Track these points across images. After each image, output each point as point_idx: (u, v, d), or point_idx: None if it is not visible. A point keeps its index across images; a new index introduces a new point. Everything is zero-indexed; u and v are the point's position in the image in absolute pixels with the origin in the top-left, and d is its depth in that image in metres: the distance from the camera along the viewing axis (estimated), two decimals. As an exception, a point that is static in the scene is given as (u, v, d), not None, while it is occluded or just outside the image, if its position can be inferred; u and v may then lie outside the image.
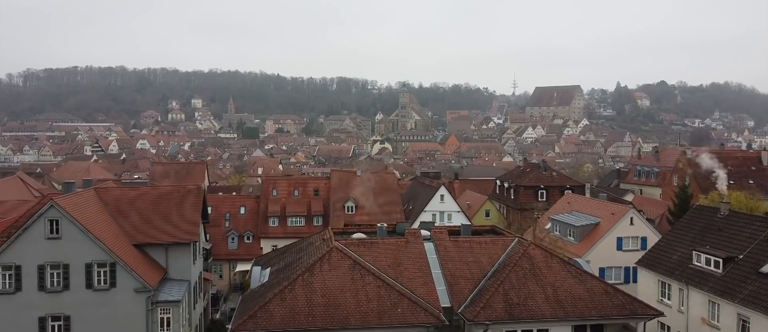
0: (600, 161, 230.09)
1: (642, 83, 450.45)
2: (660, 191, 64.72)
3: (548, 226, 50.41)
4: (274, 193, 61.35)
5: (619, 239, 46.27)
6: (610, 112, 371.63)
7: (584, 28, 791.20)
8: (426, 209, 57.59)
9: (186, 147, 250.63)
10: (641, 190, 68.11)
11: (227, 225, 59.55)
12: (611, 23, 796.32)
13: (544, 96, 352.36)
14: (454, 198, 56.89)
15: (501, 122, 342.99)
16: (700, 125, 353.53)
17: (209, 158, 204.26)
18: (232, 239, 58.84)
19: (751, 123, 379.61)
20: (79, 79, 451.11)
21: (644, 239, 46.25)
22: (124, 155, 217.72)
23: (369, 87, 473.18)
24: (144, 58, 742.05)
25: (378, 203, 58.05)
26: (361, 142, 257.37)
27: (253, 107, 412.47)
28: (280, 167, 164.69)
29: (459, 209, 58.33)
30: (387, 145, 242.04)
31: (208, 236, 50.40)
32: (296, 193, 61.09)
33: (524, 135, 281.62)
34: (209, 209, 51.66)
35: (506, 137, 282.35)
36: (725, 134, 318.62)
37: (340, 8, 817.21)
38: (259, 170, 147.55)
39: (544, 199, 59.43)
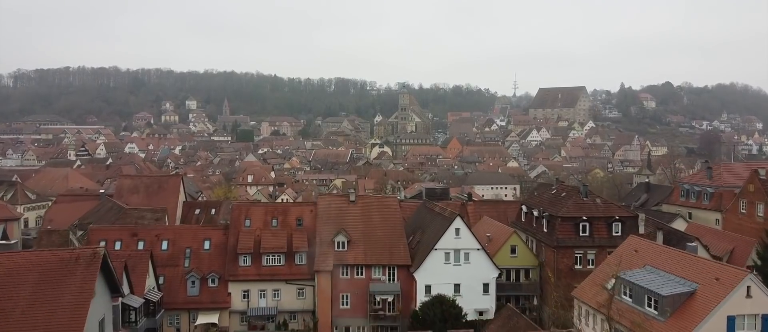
0: (609, 165, 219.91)
1: (646, 85, 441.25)
2: (719, 218, 53.52)
3: (611, 284, 36.64)
4: (247, 223, 48.91)
5: (731, 320, 32.07)
6: (616, 114, 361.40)
7: (584, 30, 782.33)
8: (437, 246, 45.90)
9: (177, 151, 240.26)
10: (690, 213, 56.98)
11: (187, 265, 47.46)
12: (611, 25, 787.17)
13: (548, 97, 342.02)
14: (472, 232, 45.92)
15: (503, 124, 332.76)
16: (709, 128, 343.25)
17: (199, 163, 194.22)
18: (193, 282, 47.05)
19: (759, 125, 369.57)
20: (71, 79, 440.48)
21: (766, 319, 32.57)
22: (110, 160, 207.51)
23: (368, 88, 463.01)
24: (138, 59, 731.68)
25: (376, 238, 46.84)
26: (359, 145, 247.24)
27: (249, 108, 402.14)
28: (272, 174, 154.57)
29: (478, 246, 46.47)
30: (386, 148, 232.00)
31: (160, 280, 40.56)
32: (274, 223, 48.96)
33: (529, 138, 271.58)
34: (165, 242, 41.74)
35: (510, 140, 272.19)
36: (736, 137, 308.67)
37: (337, 9, 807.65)
38: (249, 178, 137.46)
39: (587, 233, 46.69)
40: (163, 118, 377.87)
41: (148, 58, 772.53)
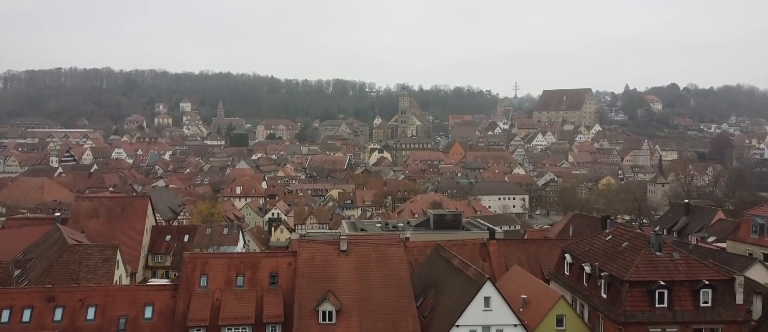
0: (619, 172, 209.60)
1: (650, 86, 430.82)
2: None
3: None
4: (203, 281, 36.35)
5: None
6: (622, 116, 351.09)
7: (584, 31, 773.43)
8: (460, 322, 33.28)
9: (167, 156, 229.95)
10: (766, 255, 45.78)
11: (120, 343, 34.64)
12: (611, 26, 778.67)
13: (553, 99, 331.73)
14: (506, 300, 33.40)
15: (507, 127, 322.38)
16: (718, 131, 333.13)
17: (187, 170, 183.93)
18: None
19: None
20: (63, 81, 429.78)
21: None
22: (95, 167, 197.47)
23: (367, 90, 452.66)
24: (132, 60, 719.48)
25: (375, 304, 34.89)
26: (358, 150, 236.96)
27: (245, 110, 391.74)
28: (264, 184, 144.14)
29: (516, 321, 33.93)
30: (386, 154, 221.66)
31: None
32: (240, 281, 36.52)
33: (534, 142, 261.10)
34: (92, 310, 31.24)
35: (514, 145, 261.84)
36: (747, 141, 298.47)
37: (336, 9, 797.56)
38: (238, 189, 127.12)
39: (665, 304, 33.84)
40: (156, 120, 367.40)
41: (143, 59, 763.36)
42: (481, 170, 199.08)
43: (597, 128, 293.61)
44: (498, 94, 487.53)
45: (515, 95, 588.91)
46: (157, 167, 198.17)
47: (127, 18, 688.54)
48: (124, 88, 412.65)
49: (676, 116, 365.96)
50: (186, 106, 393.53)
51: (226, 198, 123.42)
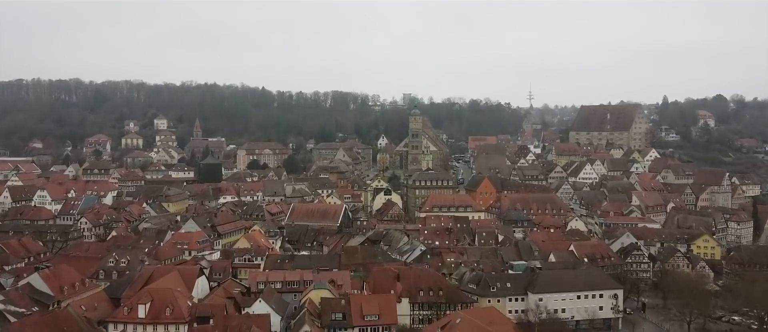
0: (714, 227, 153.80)
1: (690, 97, 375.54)
2: None
3: None
4: None
5: None
6: (674, 136, 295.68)
7: (597, 38, 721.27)
8: None
9: (108, 198, 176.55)
10: None
11: None
12: (621, 34, 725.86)
13: (594, 117, 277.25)
14: None
15: (538, 150, 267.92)
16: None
17: (113, 233, 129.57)
18: None
19: None
20: (23, 94, 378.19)
21: None
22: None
23: (370, 103, 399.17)
24: (106, 70, 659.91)
25: None
26: (358, 189, 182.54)
27: (230, 127, 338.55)
28: (203, 278, 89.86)
29: None
30: (394, 198, 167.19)
31: None
32: None
33: (581, 176, 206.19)
34: None
35: (556, 178, 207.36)
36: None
37: (333, 17, 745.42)
38: (142, 310, 73.03)
39: None
40: (123, 141, 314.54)
41: (119, 69, 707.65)
42: (526, 226, 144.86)
43: (653, 153, 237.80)
44: (509, 103, 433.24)
45: (531, 105, 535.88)
46: (82, 220, 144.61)
47: (106, 24, 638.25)
48: (92, 102, 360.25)
49: (733, 134, 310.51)
50: (161, 123, 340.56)
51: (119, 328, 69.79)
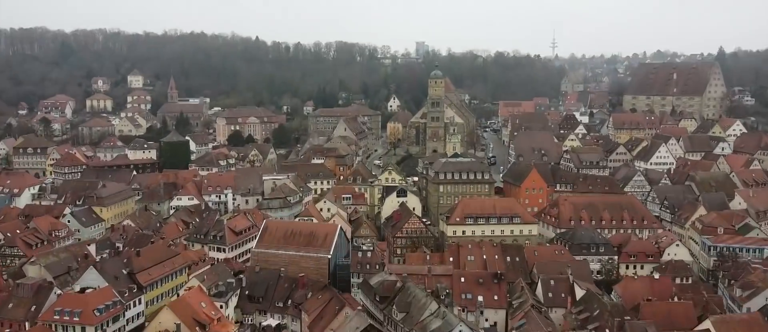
0: None
1: (752, 48, 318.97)
2: None
3: None
4: None
5: None
6: (749, 100, 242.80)
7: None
8: None
9: (26, 197, 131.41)
10: None
11: None
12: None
13: (656, 78, 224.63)
14: None
15: (585, 118, 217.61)
16: None
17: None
18: None
19: None
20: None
21: None
22: None
23: (379, 57, 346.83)
24: (77, 17, 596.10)
25: None
26: (361, 185, 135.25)
27: (216, 86, 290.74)
28: None
29: None
30: (411, 200, 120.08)
31: None
32: None
33: (654, 160, 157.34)
34: None
35: (618, 160, 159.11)
36: None
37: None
38: None
39: None
40: (89, 103, 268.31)
41: (95, 16, 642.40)
42: (602, 251, 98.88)
43: (737, 126, 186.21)
44: (539, 55, 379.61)
45: (556, 55, 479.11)
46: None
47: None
48: (58, 55, 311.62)
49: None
50: (136, 81, 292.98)
51: None
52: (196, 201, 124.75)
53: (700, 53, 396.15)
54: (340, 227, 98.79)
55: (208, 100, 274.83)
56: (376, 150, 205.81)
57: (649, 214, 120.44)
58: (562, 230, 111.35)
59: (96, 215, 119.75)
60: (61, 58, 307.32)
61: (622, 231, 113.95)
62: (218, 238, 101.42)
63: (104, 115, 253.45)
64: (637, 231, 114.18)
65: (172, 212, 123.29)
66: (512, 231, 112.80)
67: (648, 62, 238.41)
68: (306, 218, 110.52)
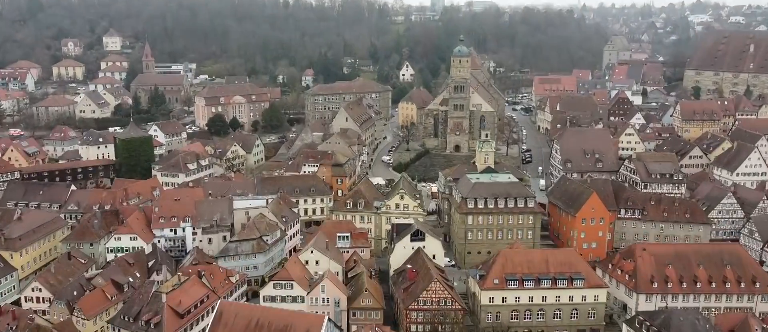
0: None
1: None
2: None
3: None
4: None
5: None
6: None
7: None
8: None
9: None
10: None
11: None
12: None
13: (727, 51, 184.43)
14: None
15: (638, 99, 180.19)
16: None
17: None
18: None
19: None
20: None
21: None
22: None
23: (391, 13, 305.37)
24: None
25: None
26: (363, 214, 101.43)
27: (202, 50, 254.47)
28: None
29: None
30: (433, 244, 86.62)
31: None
32: None
33: (740, 170, 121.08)
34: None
35: (691, 166, 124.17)
36: None
37: None
38: None
39: None
40: (56, 71, 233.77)
41: None
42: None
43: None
44: (572, 11, 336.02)
45: (583, 5, 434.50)
46: None
47: None
48: (24, 12, 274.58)
49: None
50: (112, 43, 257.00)
51: None
52: (140, 242, 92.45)
53: (748, 4, 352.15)
54: (327, 318, 65.79)
55: (193, 66, 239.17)
56: (384, 138, 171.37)
57: (761, 272, 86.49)
58: (645, 307, 78.42)
59: (4, 262, 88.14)
60: (29, 15, 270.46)
61: (724, 299, 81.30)
62: (152, 326, 69.46)
63: (71, 85, 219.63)
64: (744, 299, 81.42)
65: (108, 257, 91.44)
66: (571, 298, 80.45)
67: (715, 27, 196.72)
68: (283, 283, 78.26)
